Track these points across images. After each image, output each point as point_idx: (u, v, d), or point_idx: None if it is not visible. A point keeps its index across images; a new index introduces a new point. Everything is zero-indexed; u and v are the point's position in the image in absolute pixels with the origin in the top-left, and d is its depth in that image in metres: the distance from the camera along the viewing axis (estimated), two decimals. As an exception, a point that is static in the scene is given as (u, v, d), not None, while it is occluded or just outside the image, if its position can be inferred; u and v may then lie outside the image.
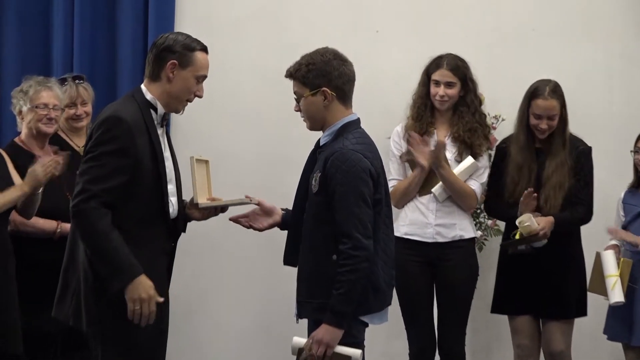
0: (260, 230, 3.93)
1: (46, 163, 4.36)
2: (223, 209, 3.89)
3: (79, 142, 4.88)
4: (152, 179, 3.58)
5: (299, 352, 3.60)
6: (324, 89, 3.63)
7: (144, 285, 3.48)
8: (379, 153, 3.73)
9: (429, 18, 5.55)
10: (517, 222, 4.62)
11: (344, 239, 3.52)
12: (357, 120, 3.71)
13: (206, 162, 3.86)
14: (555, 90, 4.72)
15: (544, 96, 4.69)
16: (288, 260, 3.80)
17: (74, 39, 5.44)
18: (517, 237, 4.67)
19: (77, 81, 4.91)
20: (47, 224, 4.59)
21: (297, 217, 3.72)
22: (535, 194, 4.65)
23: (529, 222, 4.57)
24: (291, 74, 3.68)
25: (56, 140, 4.80)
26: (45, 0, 5.53)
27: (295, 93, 3.70)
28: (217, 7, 5.60)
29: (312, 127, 3.73)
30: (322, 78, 3.62)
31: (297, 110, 3.72)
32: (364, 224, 3.53)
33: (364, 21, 5.54)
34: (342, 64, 3.67)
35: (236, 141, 5.57)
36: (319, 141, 3.74)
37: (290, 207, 3.87)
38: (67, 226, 4.34)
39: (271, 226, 3.94)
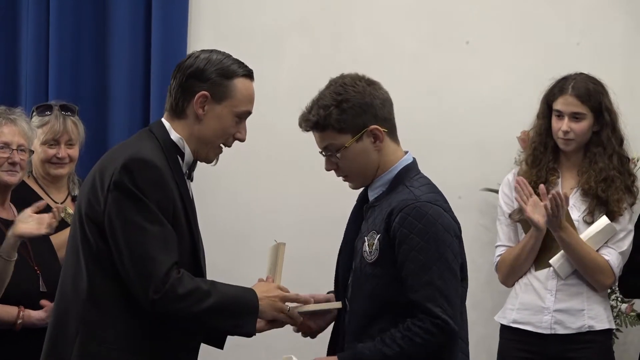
0: (313, 331, 3.54)
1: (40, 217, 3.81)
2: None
3: (57, 197, 4.31)
4: (189, 246, 3.21)
5: None
6: (372, 127, 3.27)
7: (267, 305, 3.24)
8: None
9: (537, 24, 5.03)
10: None
11: (430, 318, 3.15)
12: (415, 162, 3.38)
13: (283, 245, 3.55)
14: None
15: None
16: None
17: (49, 57, 4.93)
18: None
19: (65, 112, 4.32)
20: (5, 311, 3.95)
21: (342, 296, 3.37)
22: None
23: None
24: (317, 122, 3.27)
25: (24, 193, 4.15)
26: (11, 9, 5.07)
27: (326, 148, 3.31)
28: (246, 16, 5.16)
29: (364, 182, 3.36)
30: (365, 115, 3.26)
31: (330, 169, 3.35)
32: (452, 302, 3.16)
33: (449, 30, 5.10)
34: (377, 88, 3.32)
35: (272, 195, 5.14)
36: (365, 194, 3.38)
37: None
38: (31, 314, 3.90)
39: (327, 324, 3.61)
